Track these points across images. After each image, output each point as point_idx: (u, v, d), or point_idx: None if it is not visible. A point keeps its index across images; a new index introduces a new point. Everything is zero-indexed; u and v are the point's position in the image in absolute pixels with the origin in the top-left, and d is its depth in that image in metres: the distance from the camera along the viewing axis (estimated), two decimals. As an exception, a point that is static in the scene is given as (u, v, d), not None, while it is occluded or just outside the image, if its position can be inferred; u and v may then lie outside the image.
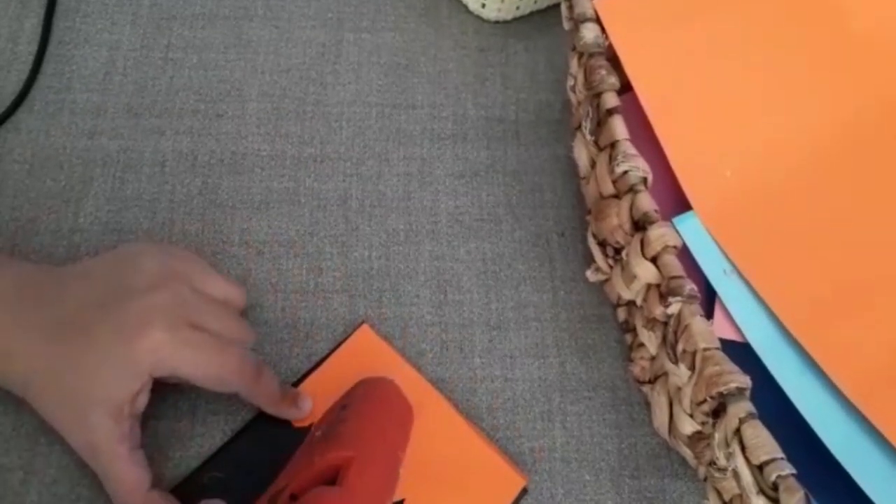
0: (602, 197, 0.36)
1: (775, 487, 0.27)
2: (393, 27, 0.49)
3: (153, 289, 0.32)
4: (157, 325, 0.31)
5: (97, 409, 0.31)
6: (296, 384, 0.38)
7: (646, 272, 0.32)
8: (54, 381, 0.31)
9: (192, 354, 0.32)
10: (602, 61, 0.35)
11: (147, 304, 0.32)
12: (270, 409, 0.35)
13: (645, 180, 0.33)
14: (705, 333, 0.30)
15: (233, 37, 0.47)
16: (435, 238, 0.43)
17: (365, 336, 0.39)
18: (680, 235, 0.32)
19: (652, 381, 0.36)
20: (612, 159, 0.34)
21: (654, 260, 0.32)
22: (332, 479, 0.32)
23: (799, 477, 0.27)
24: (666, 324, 0.32)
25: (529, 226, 0.44)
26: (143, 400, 0.33)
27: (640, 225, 0.33)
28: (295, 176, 0.44)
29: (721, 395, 0.29)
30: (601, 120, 0.35)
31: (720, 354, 0.29)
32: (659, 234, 0.31)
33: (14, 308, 0.32)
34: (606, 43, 0.37)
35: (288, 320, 0.40)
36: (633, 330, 0.37)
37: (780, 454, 0.27)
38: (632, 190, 0.33)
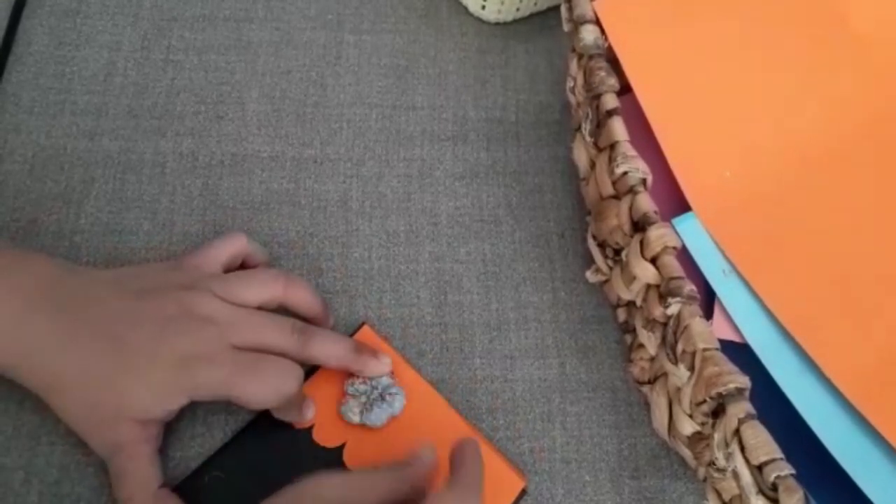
0: (602, 198, 0.36)
1: (774, 488, 0.27)
2: (393, 29, 0.49)
3: (188, 319, 0.33)
4: (199, 361, 0.32)
5: (128, 418, 0.32)
6: (296, 385, 0.38)
7: (645, 273, 0.32)
8: (82, 389, 0.32)
9: (244, 381, 0.33)
10: (602, 63, 0.35)
11: (188, 338, 0.33)
12: (277, 413, 0.35)
13: (644, 181, 0.33)
14: (705, 334, 0.30)
15: (233, 38, 0.47)
16: (435, 239, 0.43)
17: (365, 336, 0.39)
18: (679, 236, 0.32)
19: (651, 382, 0.36)
20: (611, 160, 0.34)
21: (653, 261, 0.32)
22: None
23: (798, 477, 0.27)
24: (665, 324, 0.32)
25: (529, 227, 0.44)
26: (174, 412, 0.33)
27: (639, 226, 0.33)
28: (295, 177, 0.44)
29: (720, 395, 0.29)
30: (601, 121, 0.35)
31: (719, 355, 0.29)
32: (658, 235, 0.32)
33: (38, 306, 0.32)
34: (606, 44, 0.37)
35: (288, 321, 0.40)
36: (633, 331, 0.37)
37: (779, 454, 0.27)
38: (631, 191, 0.33)
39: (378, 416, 0.36)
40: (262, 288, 0.36)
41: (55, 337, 0.32)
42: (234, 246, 0.37)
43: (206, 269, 0.36)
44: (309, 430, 0.36)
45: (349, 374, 0.37)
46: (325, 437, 0.36)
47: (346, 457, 0.36)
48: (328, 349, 0.36)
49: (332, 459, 0.36)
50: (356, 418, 0.36)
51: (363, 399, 0.36)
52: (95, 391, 0.32)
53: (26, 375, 0.32)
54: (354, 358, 0.36)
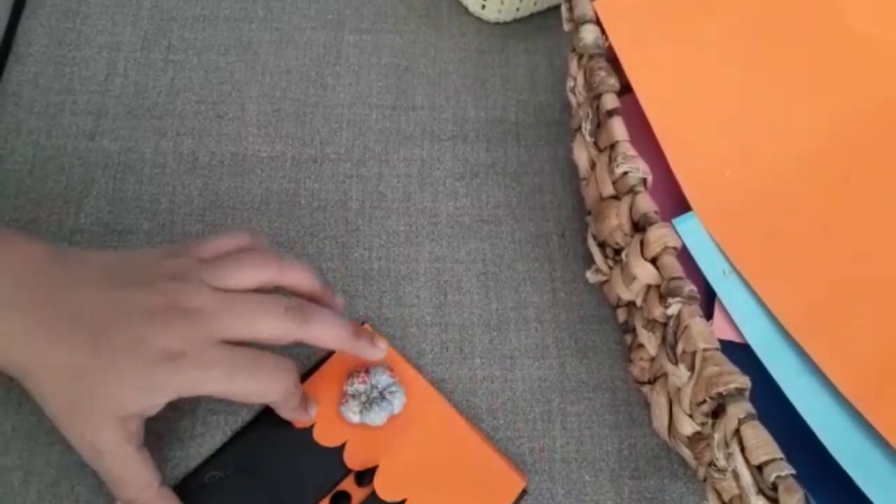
0: (602, 198, 0.36)
1: (775, 488, 0.27)
2: (393, 29, 0.49)
3: (174, 312, 0.31)
4: (187, 358, 0.31)
5: (108, 414, 0.30)
6: (296, 385, 0.38)
7: (645, 273, 0.32)
8: (61, 379, 0.30)
9: (236, 381, 0.31)
10: (602, 63, 0.35)
11: (174, 333, 0.31)
12: (279, 411, 0.35)
13: (645, 181, 0.33)
14: (705, 334, 0.30)
15: (233, 38, 0.47)
16: (435, 239, 0.43)
17: (365, 337, 0.39)
18: (679, 236, 0.32)
19: (651, 382, 0.36)
20: (611, 160, 0.34)
21: (653, 261, 0.32)
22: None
23: (798, 477, 0.27)
24: (665, 325, 0.32)
25: (529, 227, 0.44)
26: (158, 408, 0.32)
27: (639, 226, 0.33)
28: (295, 177, 0.44)
29: (721, 395, 0.29)
30: (601, 121, 0.35)
31: (720, 355, 0.29)
32: (658, 235, 0.32)
33: (22, 289, 0.31)
34: (606, 44, 0.37)
35: (288, 321, 0.40)
36: (633, 331, 0.37)
37: (779, 454, 0.27)
38: (631, 191, 0.33)
39: (378, 415, 0.36)
40: (255, 270, 0.34)
41: (34, 325, 0.30)
42: (239, 242, 0.36)
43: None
44: (309, 429, 0.36)
45: (349, 374, 0.37)
46: (326, 436, 0.36)
47: (347, 456, 0.36)
48: (326, 330, 0.34)
49: (333, 459, 0.36)
50: (356, 417, 0.36)
51: (363, 398, 0.36)
52: (73, 381, 0.30)
53: (11, 365, 0.31)
54: (352, 342, 0.35)
